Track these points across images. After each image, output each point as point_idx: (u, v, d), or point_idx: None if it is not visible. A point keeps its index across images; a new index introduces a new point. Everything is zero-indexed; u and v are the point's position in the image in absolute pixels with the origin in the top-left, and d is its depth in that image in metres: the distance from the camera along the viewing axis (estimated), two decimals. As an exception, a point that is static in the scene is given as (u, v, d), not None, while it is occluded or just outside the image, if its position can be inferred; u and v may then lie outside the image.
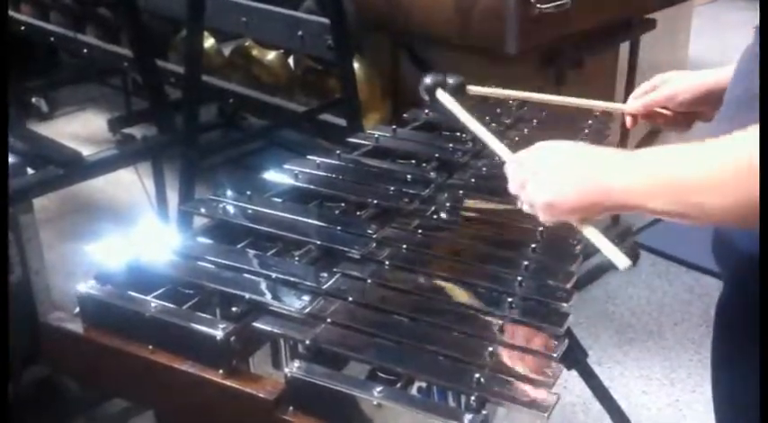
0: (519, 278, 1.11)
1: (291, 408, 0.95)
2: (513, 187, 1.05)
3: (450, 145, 1.59)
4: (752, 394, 0.97)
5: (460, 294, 1.10)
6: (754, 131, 0.79)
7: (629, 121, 1.43)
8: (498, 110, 1.78)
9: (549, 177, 0.97)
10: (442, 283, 1.12)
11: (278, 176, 1.44)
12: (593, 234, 1.01)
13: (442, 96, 1.40)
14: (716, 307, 1.15)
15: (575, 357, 2.00)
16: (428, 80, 1.43)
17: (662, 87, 1.37)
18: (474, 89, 1.47)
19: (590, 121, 1.70)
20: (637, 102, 1.41)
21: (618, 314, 2.79)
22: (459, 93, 1.43)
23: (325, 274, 1.11)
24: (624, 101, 1.45)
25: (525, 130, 1.68)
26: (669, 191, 0.86)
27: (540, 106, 1.76)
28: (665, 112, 1.37)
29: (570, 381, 2.20)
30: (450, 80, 1.44)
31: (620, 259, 0.98)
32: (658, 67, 1.45)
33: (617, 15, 2.66)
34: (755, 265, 0.97)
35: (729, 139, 0.82)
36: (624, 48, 2.93)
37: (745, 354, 1.05)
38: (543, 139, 1.70)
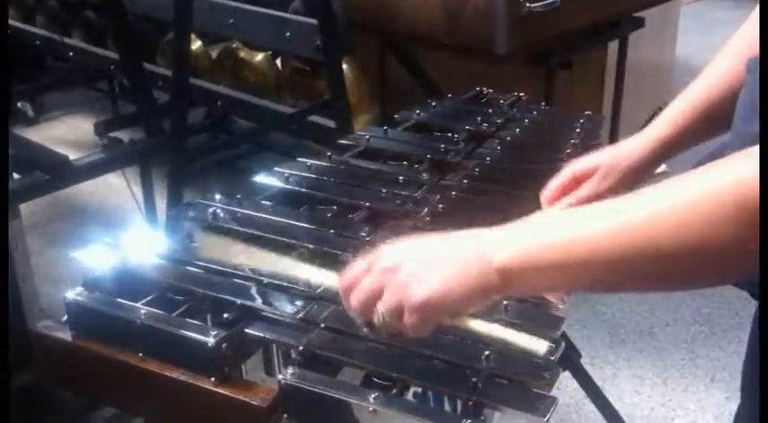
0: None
1: (285, 415, 0.93)
2: (358, 302, 0.83)
3: (443, 145, 1.57)
4: None
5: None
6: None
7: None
8: (489, 110, 1.77)
9: (418, 272, 0.78)
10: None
11: (268, 179, 1.42)
12: (495, 329, 0.87)
13: None
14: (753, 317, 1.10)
15: (568, 358, 1.99)
16: None
17: (600, 182, 1.14)
18: None
19: (582, 121, 1.69)
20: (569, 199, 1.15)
21: (609, 315, 2.79)
22: None
23: (318, 279, 1.10)
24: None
25: (517, 130, 1.68)
26: (564, 250, 0.74)
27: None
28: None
29: (563, 381, 2.19)
30: None
31: (539, 344, 0.88)
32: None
33: (606, 14, 2.66)
34: None
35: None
36: (613, 46, 2.93)
37: None
38: (535, 140, 1.68)
